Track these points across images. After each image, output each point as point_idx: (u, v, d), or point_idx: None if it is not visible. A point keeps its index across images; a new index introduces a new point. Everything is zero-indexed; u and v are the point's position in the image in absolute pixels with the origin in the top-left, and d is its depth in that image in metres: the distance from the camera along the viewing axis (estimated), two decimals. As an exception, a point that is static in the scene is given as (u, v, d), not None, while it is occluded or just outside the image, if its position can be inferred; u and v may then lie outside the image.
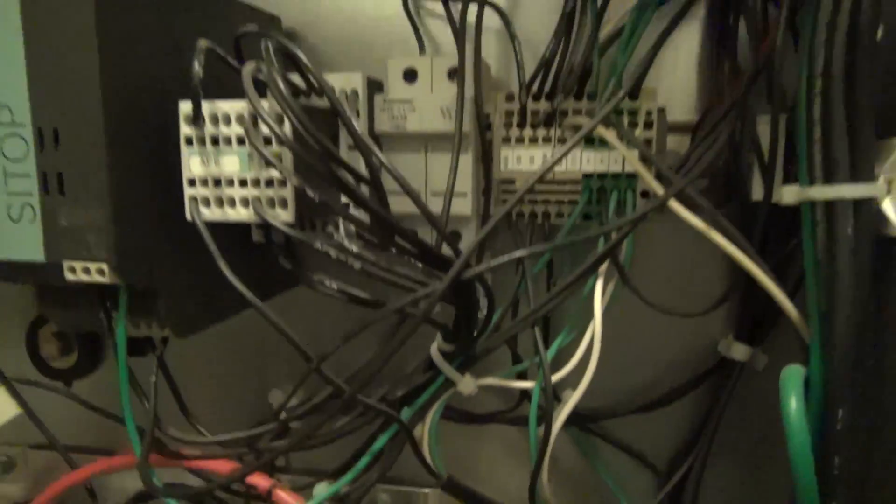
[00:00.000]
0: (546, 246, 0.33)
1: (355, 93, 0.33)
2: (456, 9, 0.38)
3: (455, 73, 0.35)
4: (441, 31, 0.42)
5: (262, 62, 0.27)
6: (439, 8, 0.40)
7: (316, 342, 0.28)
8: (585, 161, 0.35)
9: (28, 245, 0.29)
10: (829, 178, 0.27)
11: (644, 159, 0.31)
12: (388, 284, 0.28)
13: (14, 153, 0.28)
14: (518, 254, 0.29)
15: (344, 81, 0.32)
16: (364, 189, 0.28)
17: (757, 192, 0.34)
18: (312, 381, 0.46)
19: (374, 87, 0.35)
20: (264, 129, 0.27)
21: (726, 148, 0.33)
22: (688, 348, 0.40)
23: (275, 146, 0.27)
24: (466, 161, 0.35)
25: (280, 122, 0.27)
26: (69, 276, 0.29)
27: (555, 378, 0.34)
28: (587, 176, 0.35)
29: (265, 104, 0.27)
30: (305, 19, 0.43)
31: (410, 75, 0.35)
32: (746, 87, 0.31)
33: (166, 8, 0.31)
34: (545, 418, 0.34)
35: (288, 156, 0.27)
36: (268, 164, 0.27)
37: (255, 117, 0.27)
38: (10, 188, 0.29)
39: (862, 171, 0.27)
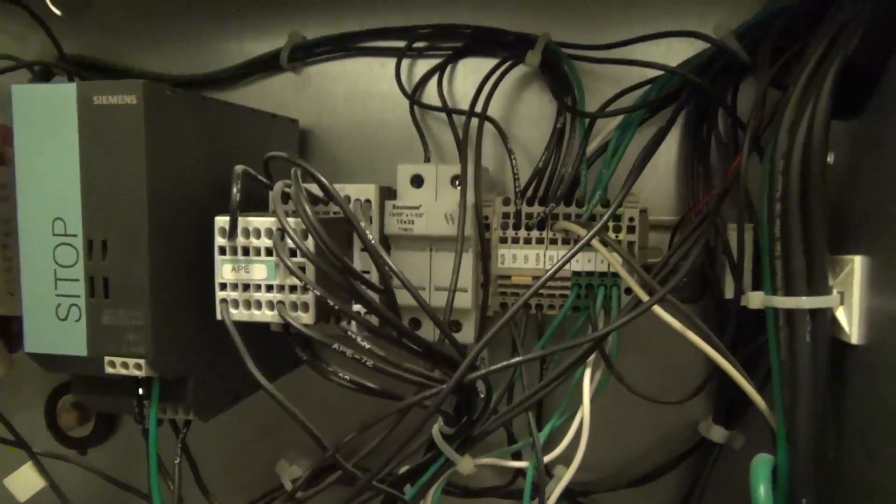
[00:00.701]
0: (540, 353, 0.36)
1: (368, 202, 0.37)
2: (458, 121, 0.43)
3: (458, 180, 0.39)
4: (443, 134, 0.46)
5: (289, 184, 0.31)
6: (442, 115, 0.44)
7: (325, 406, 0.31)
8: (575, 261, 0.38)
9: (73, 341, 0.32)
10: (789, 290, 0.31)
11: (629, 267, 0.35)
12: (397, 379, 0.31)
13: (65, 260, 0.32)
14: (514, 361, 0.32)
15: (359, 191, 0.36)
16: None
17: (729, 292, 0.38)
18: (316, 450, 0.49)
19: (386, 193, 0.39)
20: (290, 243, 0.30)
21: (702, 251, 0.37)
22: (671, 428, 0.44)
23: (298, 258, 0.31)
24: (468, 260, 0.38)
25: (304, 237, 0.30)
26: (109, 370, 0.32)
27: (547, 459, 0.37)
28: (576, 273, 0.38)
29: (291, 221, 0.30)
30: (320, 122, 0.47)
31: (417, 181, 0.39)
32: (717, 203, 0.35)
33: (203, 123, 0.35)
34: (539, 495, 0.37)
35: (311, 267, 0.31)
36: (292, 273, 0.30)
37: (282, 232, 0.30)
38: (60, 290, 0.32)
39: (818, 283, 0.31)
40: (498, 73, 0.42)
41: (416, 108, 0.45)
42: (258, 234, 0.31)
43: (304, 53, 0.47)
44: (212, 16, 0.49)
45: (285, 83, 0.48)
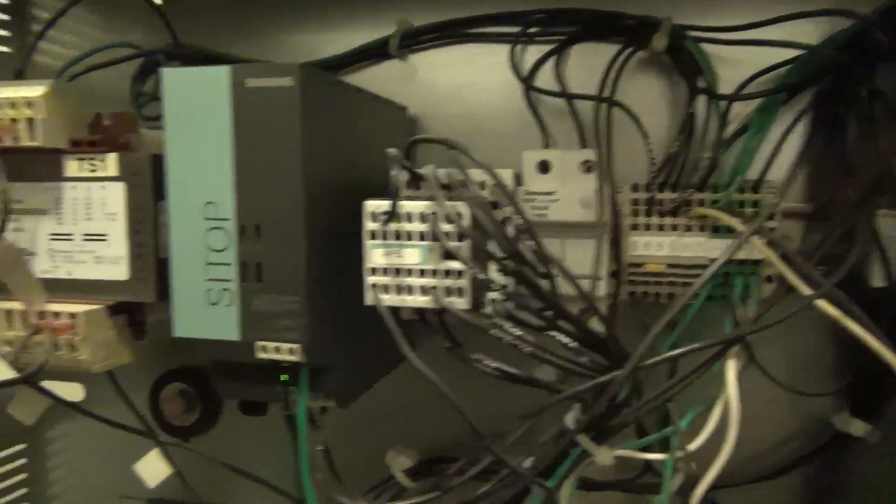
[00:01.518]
0: (707, 343, 0.34)
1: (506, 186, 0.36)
2: (581, 105, 0.42)
3: (588, 166, 0.38)
4: (554, 121, 0.45)
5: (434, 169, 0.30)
6: (552, 102, 0.44)
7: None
8: (712, 248, 0.37)
9: (224, 326, 0.32)
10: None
11: (785, 258, 0.34)
12: (552, 365, 0.31)
13: (216, 244, 0.32)
14: (683, 350, 0.31)
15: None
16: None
17: (877, 280, 0.36)
18: (425, 441, 0.49)
19: (517, 179, 0.38)
20: (446, 227, 0.30)
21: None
22: (800, 422, 0.42)
23: (455, 241, 0.30)
24: (603, 247, 0.37)
25: (460, 218, 0.30)
26: (260, 355, 0.32)
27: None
28: (713, 261, 0.37)
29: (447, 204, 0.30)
30: (426, 110, 0.47)
31: (544, 167, 0.39)
32: (873, 188, 0.33)
33: (340, 106, 0.35)
34: (685, 488, 0.36)
35: (467, 250, 0.30)
36: (453, 257, 0.30)
37: (442, 216, 0.30)
38: (210, 275, 0.32)
39: None
40: (622, 57, 0.41)
41: (530, 94, 0.44)
42: (410, 219, 0.31)
43: (412, 41, 0.47)
44: (317, 3, 0.48)
45: (392, 71, 0.48)
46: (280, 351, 0.31)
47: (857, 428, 0.39)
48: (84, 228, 0.38)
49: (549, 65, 0.45)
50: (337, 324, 0.34)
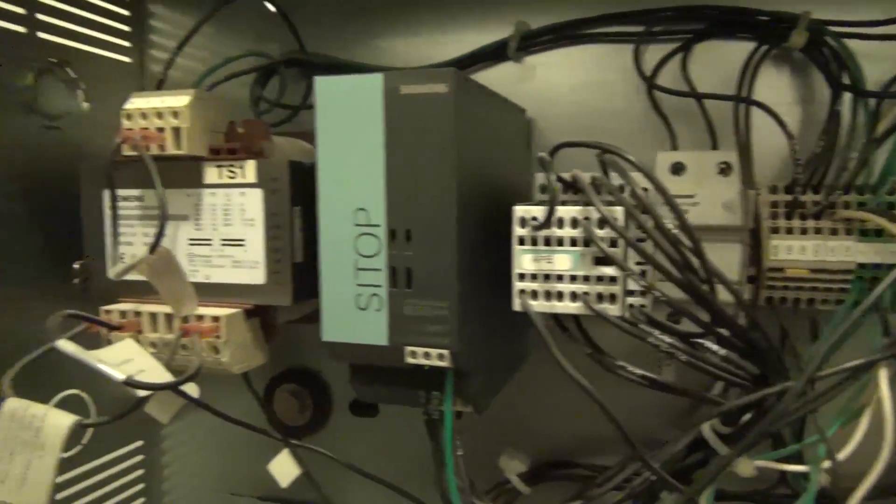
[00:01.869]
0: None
1: (645, 189, 0.35)
2: (712, 107, 0.41)
3: (725, 168, 0.37)
4: (678, 121, 0.44)
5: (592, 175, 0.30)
6: (675, 102, 0.43)
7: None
8: (860, 252, 0.36)
9: (373, 330, 0.32)
10: None
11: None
12: (712, 376, 0.30)
13: (366, 250, 0.32)
14: (860, 363, 0.30)
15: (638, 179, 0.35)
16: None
17: None
18: (536, 445, 0.48)
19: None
20: (603, 233, 0.30)
21: None
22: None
23: (610, 247, 0.30)
24: (738, 251, 0.36)
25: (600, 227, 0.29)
26: (409, 360, 0.32)
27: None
28: (862, 266, 0.36)
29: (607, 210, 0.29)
30: (543, 112, 0.47)
31: (678, 168, 0.38)
32: None
33: (481, 110, 0.35)
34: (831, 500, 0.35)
35: (621, 256, 0.30)
36: (605, 263, 0.29)
37: (600, 221, 0.29)
38: (360, 280, 0.32)
39: None
40: (758, 54, 0.40)
41: (654, 94, 0.43)
42: (561, 224, 0.31)
43: (530, 42, 0.46)
44: (431, 7, 0.48)
45: (508, 74, 0.47)
46: (429, 356, 0.31)
47: None
48: (223, 234, 0.39)
49: (673, 64, 0.44)
50: (479, 328, 0.34)
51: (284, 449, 0.41)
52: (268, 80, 0.49)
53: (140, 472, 0.55)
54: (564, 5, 0.46)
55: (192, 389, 0.43)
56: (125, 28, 0.53)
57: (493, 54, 0.47)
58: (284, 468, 0.41)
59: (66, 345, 0.29)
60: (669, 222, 0.31)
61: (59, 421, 0.29)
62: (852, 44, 0.39)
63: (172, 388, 0.30)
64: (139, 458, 0.55)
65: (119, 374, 0.29)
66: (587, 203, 0.29)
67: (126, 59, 0.53)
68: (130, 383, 0.29)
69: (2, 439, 0.29)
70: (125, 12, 0.53)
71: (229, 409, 0.42)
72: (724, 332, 0.29)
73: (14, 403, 0.29)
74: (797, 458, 0.36)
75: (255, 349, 0.39)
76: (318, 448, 0.43)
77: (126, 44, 0.53)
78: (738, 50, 0.42)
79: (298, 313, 0.44)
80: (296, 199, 0.38)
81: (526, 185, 0.45)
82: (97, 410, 0.39)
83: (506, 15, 0.47)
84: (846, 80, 0.38)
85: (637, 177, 0.35)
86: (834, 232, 0.37)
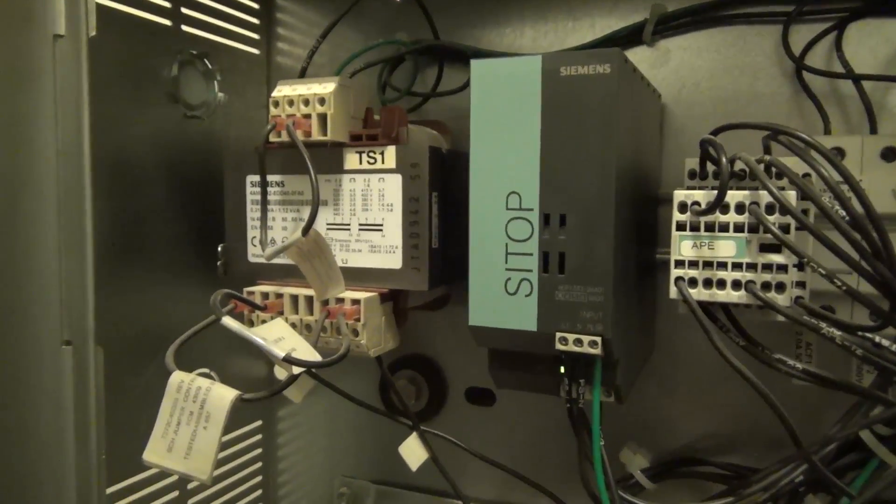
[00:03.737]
0: None
1: (808, 175, 0.33)
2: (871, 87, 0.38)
3: (889, 153, 0.35)
4: (827, 105, 0.41)
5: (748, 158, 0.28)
6: (820, 84, 0.41)
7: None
8: None
9: (522, 316, 0.32)
10: None
11: None
12: (882, 371, 0.28)
13: (518, 234, 0.32)
14: None
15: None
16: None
17: None
18: (656, 441, 0.47)
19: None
20: (776, 219, 0.28)
21: None
22: None
23: (781, 232, 0.28)
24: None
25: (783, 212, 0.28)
26: (559, 346, 0.31)
27: None
28: None
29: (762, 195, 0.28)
30: (680, 98, 0.45)
31: (839, 154, 0.36)
32: None
33: (635, 96, 0.34)
34: None
35: (798, 243, 0.28)
36: (772, 250, 0.28)
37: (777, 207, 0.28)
38: (510, 265, 0.32)
39: None
40: (927, 32, 0.37)
41: (804, 76, 0.41)
42: (725, 209, 0.29)
43: (666, 26, 0.45)
44: (561, -8, 0.48)
45: (642, 58, 0.46)
46: (581, 343, 0.31)
47: None
48: (361, 219, 0.39)
49: (823, 46, 0.41)
50: (628, 318, 0.33)
51: (413, 433, 0.41)
52: (395, 68, 0.49)
53: (258, 451, 0.57)
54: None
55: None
56: (255, 21, 0.54)
57: (627, 38, 0.46)
58: (415, 452, 0.41)
59: (229, 321, 0.30)
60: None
61: (223, 394, 0.30)
62: None
63: (326, 366, 0.31)
64: (258, 437, 0.57)
65: (279, 351, 0.30)
66: (758, 188, 0.28)
67: (255, 51, 0.54)
68: (290, 360, 0.30)
69: (169, 410, 0.30)
70: (255, 5, 0.54)
71: (351, 389, 0.43)
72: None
73: (180, 376, 0.31)
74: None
75: (388, 333, 0.40)
76: (444, 434, 0.43)
77: (255, 36, 0.54)
78: (894, 29, 0.39)
79: (423, 299, 0.45)
80: (434, 185, 0.38)
81: (658, 172, 0.43)
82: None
83: (640, -1, 0.45)
84: None
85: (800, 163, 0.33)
86: None
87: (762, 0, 0.42)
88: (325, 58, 0.51)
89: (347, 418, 0.57)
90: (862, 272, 0.26)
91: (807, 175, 0.33)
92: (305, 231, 0.33)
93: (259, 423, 0.57)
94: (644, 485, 0.46)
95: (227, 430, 0.30)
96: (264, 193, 0.39)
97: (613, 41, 0.46)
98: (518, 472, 0.43)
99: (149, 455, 0.30)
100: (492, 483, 0.52)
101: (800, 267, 0.32)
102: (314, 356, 0.32)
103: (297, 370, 0.31)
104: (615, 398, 0.35)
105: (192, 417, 0.30)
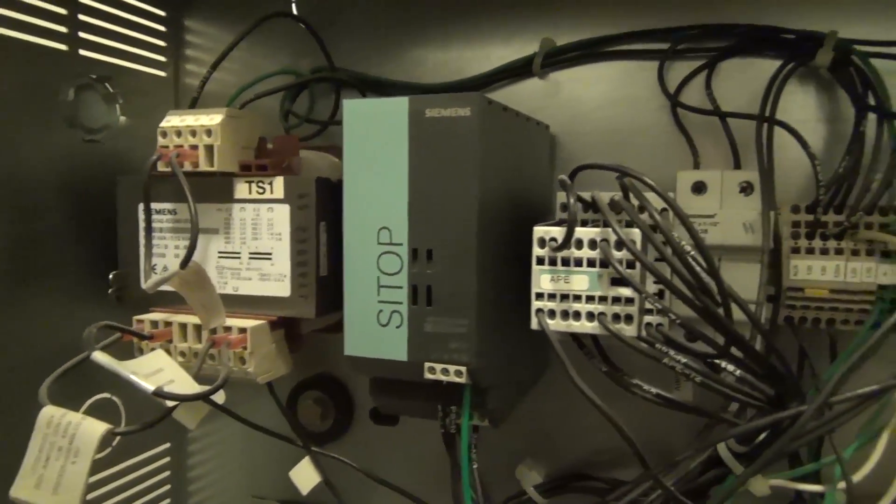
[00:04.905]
0: None
1: (665, 210, 0.36)
2: (737, 125, 0.41)
3: (748, 188, 0.37)
4: (702, 139, 0.44)
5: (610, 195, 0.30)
6: (700, 119, 0.43)
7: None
8: (883, 274, 0.36)
9: (393, 346, 0.33)
10: None
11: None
12: (726, 397, 0.30)
13: (389, 268, 0.33)
14: (880, 387, 0.30)
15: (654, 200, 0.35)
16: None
17: None
18: (553, 457, 0.49)
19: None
20: (620, 255, 0.30)
21: None
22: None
23: (625, 268, 0.30)
24: (757, 271, 0.36)
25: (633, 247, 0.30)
26: (428, 375, 0.33)
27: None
28: (883, 287, 0.36)
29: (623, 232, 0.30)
30: (570, 128, 0.47)
31: (699, 187, 0.38)
32: None
33: (503, 131, 0.35)
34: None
35: (637, 277, 0.30)
36: (621, 284, 0.30)
37: (618, 244, 0.30)
38: (382, 297, 0.33)
39: None
40: (783, 73, 0.40)
41: (678, 112, 0.44)
42: (580, 245, 0.31)
43: (555, 59, 0.47)
44: (462, 24, 0.49)
45: (534, 89, 0.48)
46: (448, 373, 0.32)
47: None
48: (251, 247, 0.40)
49: (699, 81, 0.44)
50: (498, 346, 0.34)
51: (306, 456, 0.42)
52: (298, 95, 0.50)
53: (167, 473, 0.57)
54: (591, 22, 0.46)
55: (219, 395, 0.45)
56: (161, 43, 0.54)
57: (520, 70, 0.48)
58: (305, 475, 0.42)
59: (99, 356, 0.31)
60: (688, 243, 0.31)
61: (92, 428, 0.30)
62: (879, 63, 0.39)
63: (199, 399, 0.31)
64: (166, 459, 0.57)
65: (149, 386, 0.30)
66: (605, 224, 0.30)
67: (161, 73, 0.54)
68: (159, 394, 0.30)
69: (38, 446, 0.30)
70: (162, 28, 0.54)
71: (255, 414, 0.44)
72: (738, 353, 0.30)
73: (51, 411, 0.31)
74: (815, 478, 0.36)
75: (279, 359, 0.40)
76: (339, 456, 0.44)
77: (162, 59, 0.54)
78: (763, 68, 0.42)
79: (324, 323, 0.45)
80: (322, 215, 0.39)
81: (548, 202, 0.45)
82: (133, 412, 0.41)
83: (533, 31, 0.47)
84: (872, 101, 0.38)
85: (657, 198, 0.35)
86: (856, 253, 0.36)
87: (642, 38, 0.45)
88: (240, 80, 0.51)
89: (260, 439, 0.57)
90: (689, 304, 0.28)
91: (664, 210, 0.35)
92: (184, 264, 0.34)
93: (167, 445, 0.57)
94: (536, 500, 0.48)
95: (129, 455, 0.30)
96: (149, 223, 0.39)
97: (507, 72, 0.48)
98: (407, 491, 0.44)
99: (16, 491, 0.30)
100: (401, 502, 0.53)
101: (660, 295, 0.34)
102: (191, 388, 0.33)
103: (171, 403, 0.32)
104: (490, 423, 0.36)
105: (62, 452, 0.30)
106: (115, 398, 0.49)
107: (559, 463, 0.49)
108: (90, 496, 0.48)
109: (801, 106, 0.42)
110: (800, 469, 0.38)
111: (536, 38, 0.47)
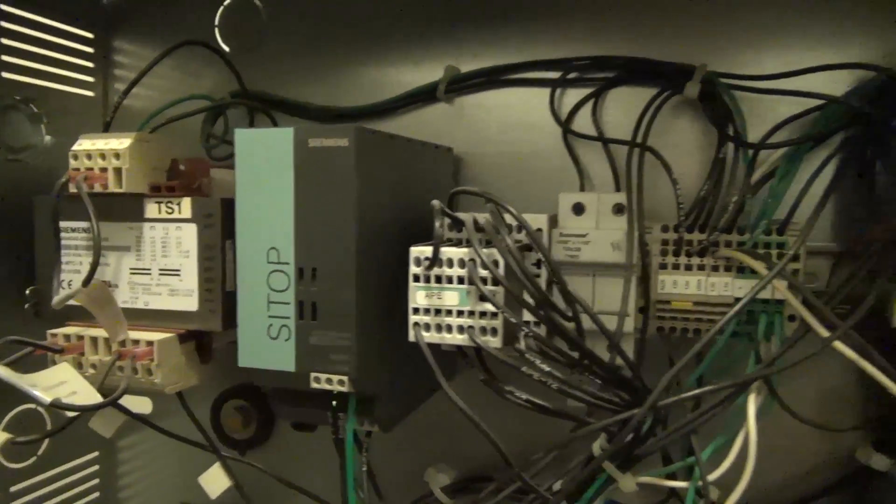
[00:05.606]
0: (728, 382, 0.36)
1: (540, 230, 0.39)
2: (614, 149, 0.44)
3: (621, 209, 0.40)
4: (594, 162, 0.47)
5: (479, 217, 0.33)
6: (592, 143, 0.46)
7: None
8: (738, 287, 0.39)
9: (282, 358, 0.36)
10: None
11: (806, 303, 0.35)
12: (576, 400, 0.33)
13: (277, 285, 0.35)
14: (707, 389, 0.33)
15: (532, 220, 0.38)
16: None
17: (898, 321, 0.38)
18: (464, 459, 0.52)
19: (552, 221, 0.41)
20: (483, 272, 0.33)
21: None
22: (824, 454, 0.44)
23: (490, 286, 0.33)
24: (631, 286, 0.40)
25: (496, 265, 0.33)
26: (314, 385, 0.35)
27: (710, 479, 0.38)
28: (738, 300, 0.39)
29: (484, 252, 0.33)
30: (473, 151, 0.50)
31: (578, 208, 0.41)
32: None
33: (389, 158, 0.38)
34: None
35: (501, 294, 0.33)
36: (487, 300, 0.33)
37: (476, 262, 0.33)
38: (272, 312, 0.36)
39: None
40: (656, 103, 0.43)
41: (568, 136, 0.47)
42: (451, 264, 0.34)
43: (459, 85, 0.50)
44: (373, 51, 0.52)
45: (440, 113, 0.51)
46: (332, 382, 0.35)
47: (879, 462, 0.40)
48: (161, 264, 0.42)
49: (588, 108, 0.47)
50: (383, 357, 0.37)
51: (216, 462, 0.44)
52: (217, 118, 0.53)
53: (95, 481, 0.58)
54: (496, 50, 0.49)
55: (145, 404, 0.47)
56: (89, 65, 0.56)
57: (427, 95, 0.50)
58: (215, 480, 0.44)
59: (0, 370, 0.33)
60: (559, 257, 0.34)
61: (-8, 438, 0.32)
62: (743, 95, 0.43)
63: (95, 409, 0.33)
64: (94, 468, 0.58)
65: (45, 398, 0.32)
66: (469, 244, 0.33)
67: (89, 93, 0.56)
68: (56, 405, 0.32)
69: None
70: (90, 49, 0.56)
71: (183, 422, 0.46)
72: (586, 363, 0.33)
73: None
74: (687, 475, 0.40)
75: (188, 371, 0.43)
76: (252, 462, 0.46)
77: (90, 79, 0.56)
78: (644, 97, 0.45)
79: (232, 337, 0.48)
80: (228, 233, 0.41)
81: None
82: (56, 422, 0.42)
83: (442, 58, 0.50)
84: (732, 130, 0.41)
85: (530, 219, 0.38)
86: (715, 269, 0.40)
87: (538, 67, 0.48)
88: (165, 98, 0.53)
89: (186, 447, 0.59)
90: (537, 317, 0.31)
91: (539, 230, 0.38)
92: (86, 282, 0.36)
93: (95, 454, 0.58)
94: (442, 500, 0.50)
95: (55, 464, 0.31)
96: (58, 242, 0.41)
97: (416, 96, 0.51)
98: (319, 497, 0.46)
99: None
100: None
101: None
102: (92, 399, 0.35)
103: (71, 414, 0.34)
104: (381, 429, 0.39)
105: (-36, 460, 0.32)
106: (41, 409, 0.50)
107: (467, 465, 0.52)
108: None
109: (678, 132, 0.45)
110: (666, 468, 0.42)
111: (443, 64, 0.50)
